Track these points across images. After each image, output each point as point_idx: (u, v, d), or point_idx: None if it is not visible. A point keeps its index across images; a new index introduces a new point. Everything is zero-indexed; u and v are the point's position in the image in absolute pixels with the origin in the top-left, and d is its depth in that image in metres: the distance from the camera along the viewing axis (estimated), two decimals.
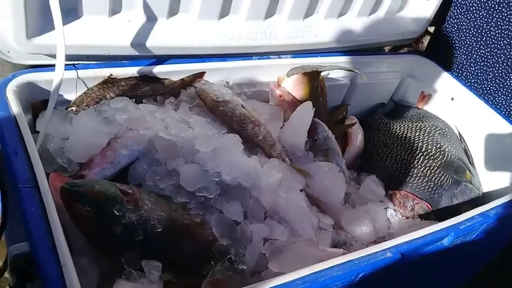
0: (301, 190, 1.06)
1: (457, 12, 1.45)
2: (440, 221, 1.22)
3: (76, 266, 0.67)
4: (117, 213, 0.77)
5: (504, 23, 1.34)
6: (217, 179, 0.89)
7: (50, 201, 0.72)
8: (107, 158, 0.89)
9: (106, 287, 0.74)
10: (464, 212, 1.26)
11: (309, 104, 1.19)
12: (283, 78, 1.27)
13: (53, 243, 0.67)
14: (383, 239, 1.13)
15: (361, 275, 0.79)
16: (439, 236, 0.91)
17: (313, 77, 1.26)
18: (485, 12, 1.37)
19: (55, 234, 0.68)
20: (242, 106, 1.10)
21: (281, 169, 1.01)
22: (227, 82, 1.21)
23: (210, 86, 1.13)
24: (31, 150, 0.78)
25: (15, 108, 0.86)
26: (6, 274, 0.71)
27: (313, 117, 1.20)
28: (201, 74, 1.15)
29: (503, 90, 1.40)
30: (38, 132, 0.89)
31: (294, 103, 1.24)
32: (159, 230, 0.80)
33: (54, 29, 0.85)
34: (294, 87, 1.26)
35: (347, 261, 0.78)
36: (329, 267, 0.76)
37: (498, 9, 1.34)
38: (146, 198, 0.83)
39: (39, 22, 0.91)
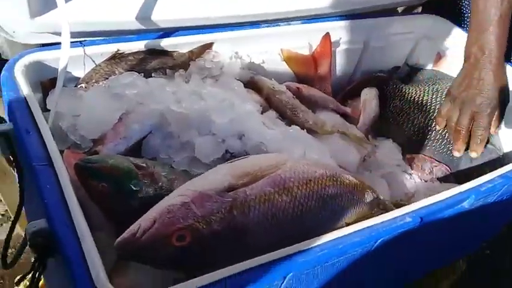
0: None
1: None
2: (459, 184, 1.22)
3: (94, 240, 0.68)
4: (133, 188, 0.77)
5: None
6: (233, 151, 0.89)
7: (66, 178, 0.72)
8: (120, 133, 0.89)
9: None
10: (484, 174, 1.25)
11: None
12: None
13: (71, 218, 0.67)
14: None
15: (380, 240, 0.78)
16: (459, 199, 0.89)
17: None
18: None
19: (72, 210, 0.68)
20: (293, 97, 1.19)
21: (304, 138, 1.00)
22: (236, 52, 1.19)
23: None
24: (43, 129, 0.78)
25: (24, 87, 0.85)
26: None
27: None
28: (209, 45, 1.13)
29: None
30: (49, 110, 0.89)
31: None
32: None
33: (57, 6, 0.84)
34: None
35: (366, 228, 0.77)
36: (348, 234, 0.75)
37: None
38: (161, 171, 0.82)
39: (41, 0, 0.90)
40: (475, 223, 1.06)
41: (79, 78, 0.99)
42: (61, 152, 0.84)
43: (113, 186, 0.77)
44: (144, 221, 0.69)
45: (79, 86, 0.96)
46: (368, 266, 0.87)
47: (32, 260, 0.66)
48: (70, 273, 0.61)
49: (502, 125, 1.34)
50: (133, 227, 0.69)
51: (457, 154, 1.12)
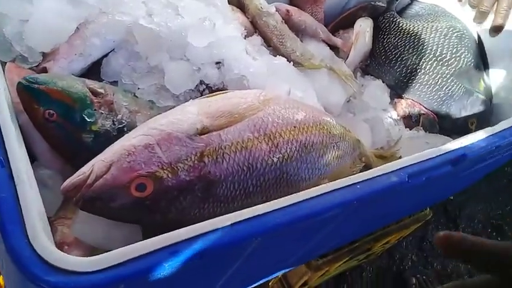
0: None
1: None
2: (443, 134, 1.16)
3: (37, 178, 0.57)
4: (86, 118, 0.65)
5: None
6: (209, 82, 0.77)
7: (4, 99, 0.60)
8: (76, 48, 0.74)
9: None
10: (471, 125, 1.19)
11: None
12: None
13: (5, 152, 0.55)
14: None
15: (362, 199, 0.71)
16: (450, 158, 0.82)
17: None
18: None
19: (7, 141, 0.56)
20: (282, 22, 1.05)
21: (290, 73, 0.90)
22: None
23: None
24: None
25: None
26: None
27: None
28: None
29: None
30: None
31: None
32: None
33: None
34: None
35: (347, 186, 0.69)
36: (328, 192, 0.67)
37: None
38: (122, 100, 0.70)
39: None
40: (460, 179, 1.01)
41: None
42: (3, 64, 0.70)
43: (62, 115, 0.65)
44: (98, 163, 0.58)
45: None
46: (345, 224, 0.81)
47: None
48: None
49: (497, 73, 1.26)
50: (84, 170, 0.58)
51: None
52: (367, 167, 0.88)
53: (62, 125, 0.65)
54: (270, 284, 1.33)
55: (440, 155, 0.80)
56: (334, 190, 0.67)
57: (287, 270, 1.16)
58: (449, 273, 1.83)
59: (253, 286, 1.03)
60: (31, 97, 0.64)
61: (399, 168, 0.75)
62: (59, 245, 0.61)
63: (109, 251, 0.51)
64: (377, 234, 1.40)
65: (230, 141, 0.65)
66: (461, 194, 2.02)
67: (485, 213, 2.10)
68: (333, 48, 1.20)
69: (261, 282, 1.03)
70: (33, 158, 0.67)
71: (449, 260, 1.88)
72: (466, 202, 2.07)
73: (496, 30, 1.15)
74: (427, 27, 1.24)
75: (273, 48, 1.01)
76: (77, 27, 0.75)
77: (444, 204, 1.99)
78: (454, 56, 1.18)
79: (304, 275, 1.31)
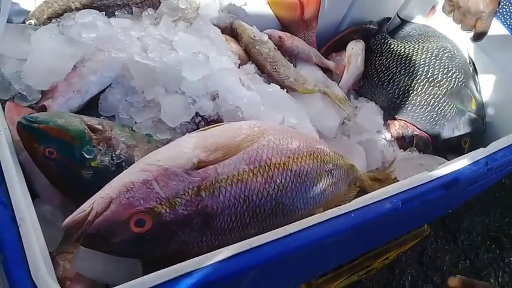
0: None
1: None
2: (438, 154, 1.17)
3: (39, 215, 0.59)
4: (85, 155, 0.67)
5: None
6: (204, 114, 0.79)
7: (4, 138, 0.62)
8: (74, 86, 0.76)
9: None
10: (465, 144, 1.21)
11: None
12: None
13: (7, 193, 0.57)
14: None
15: (357, 227, 0.73)
16: (442, 182, 0.83)
17: None
18: None
19: (9, 183, 0.58)
20: (274, 49, 1.08)
21: (283, 100, 0.93)
22: None
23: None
24: None
25: None
26: None
27: None
28: None
29: None
30: None
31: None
32: None
33: None
34: None
35: (342, 214, 0.71)
36: (323, 222, 0.69)
37: None
38: (119, 135, 0.72)
39: None
40: (454, 199, 1.03)
41: (28, 12, 0.84)
42: (3, 102, 0.72)
43: (61, 152, 0.66)
44: (98, 200, 0.60)
45: (27, 23, 0.81)
46: (342, 248, 0.83)
47: None
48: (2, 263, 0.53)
49: (488, 93, 1.28)
50: (85, 207, 0.60)
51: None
52: (362, 190, 0.90)
53: (62, 162, 0.66)
54: None
55: (432, 179, 0.81)
56: (328, 219, 0.68)
57: None
58: None
59: None
60: (31, 136, 0.66)
61: (393, 195, 0.76)
62: (62, 280, 0.62)
63: (110, 285, 0.53)
64: (376, 252, 1.40)
65: (226, 175, 0.66)
66: (460, 206, 2.03)
67: (484, 225, 2.10)
68: (326, 71, 1.23)
69: None
70: (34, 194, 0.68)
71: (449, 274, 1.88)
72: (465, 215, 2.08)
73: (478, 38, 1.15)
74: (418, 48, 1.27)
75: (267, 74, 1.03)
76: (74, 65, 0.77)
77: (443, 217, 2.00)
78: (445, 76, 1.20)
79: None
